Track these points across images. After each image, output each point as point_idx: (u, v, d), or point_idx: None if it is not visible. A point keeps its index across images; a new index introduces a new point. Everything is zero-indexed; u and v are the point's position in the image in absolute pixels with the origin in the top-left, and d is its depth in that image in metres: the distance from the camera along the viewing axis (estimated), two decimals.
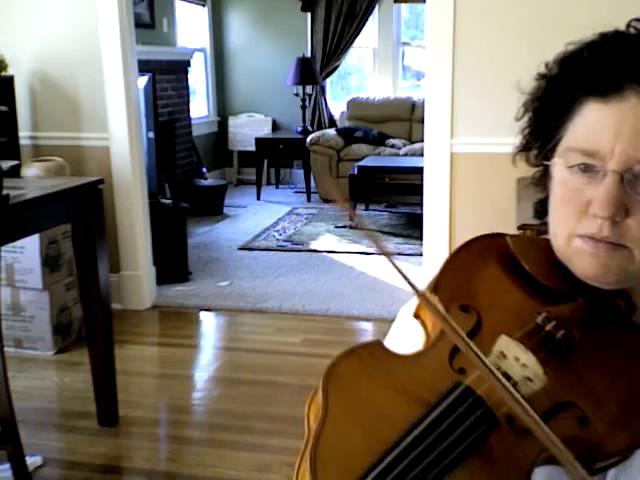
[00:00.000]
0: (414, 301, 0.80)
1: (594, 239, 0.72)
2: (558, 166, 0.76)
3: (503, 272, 0.78)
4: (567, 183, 0.75)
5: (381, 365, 0.68)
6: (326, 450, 0.61)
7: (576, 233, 0.74)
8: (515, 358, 0.66)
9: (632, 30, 0.75)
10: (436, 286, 0.76)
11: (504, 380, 0.63)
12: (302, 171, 7.01)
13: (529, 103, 0.82)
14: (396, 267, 0.68)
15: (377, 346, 0.70)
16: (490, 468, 0.62)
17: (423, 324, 0.76)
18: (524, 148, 0.84)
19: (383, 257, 0.71)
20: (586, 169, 0.73)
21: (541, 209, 0.83)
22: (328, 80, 7.58)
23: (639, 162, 0.70)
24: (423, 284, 0.80)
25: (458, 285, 0.76)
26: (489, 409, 0.63)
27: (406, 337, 0.78)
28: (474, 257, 0.80)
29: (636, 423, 0.67)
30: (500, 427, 0.63)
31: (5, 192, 2.09)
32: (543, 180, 0.82)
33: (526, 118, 0.83)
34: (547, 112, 0.79)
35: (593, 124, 0.73)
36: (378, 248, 0.75)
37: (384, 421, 0.64)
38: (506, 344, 0.67)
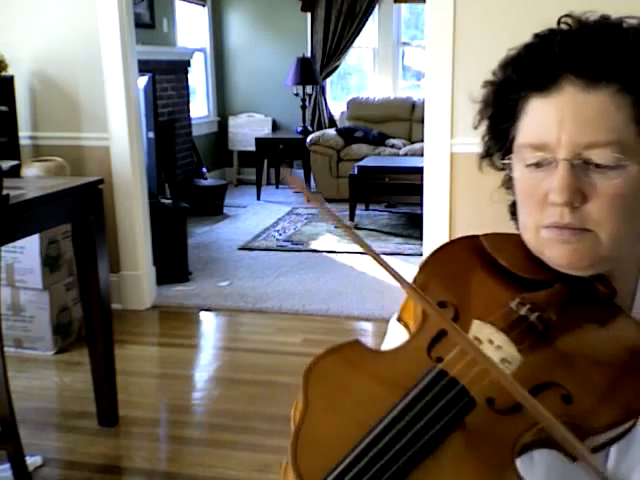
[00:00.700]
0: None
1: (558, 227, 0.75)
2: (516, 164, 0.80)
3: (479, 268, 0.80)
4: (525, 179, 0.78)
5: (360, 359, 0.70)
6: (306, 437, 0.63)
7: (541, 224, 0.76)
8: (489, 340, 0.68)
9: (563, 26, 0.80)
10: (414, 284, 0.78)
11: (485, 353, 0.64)
12: (302, 171, 7.01)
13: (482, 110, 0.86)
14: (370, 251, 0.69)
15: (355, 343, 0.72)
16: (471, 447, 0.63)
17: (406, 326, 0.78)
18: (487, 154, 0.87)
19: (352, 240, 0.72)
20: (540, 164, 0.76)
21: (514, 210, 0.85)
22: (328, 80, 7.59)
23: (586, 147, 0.73)
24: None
25: (435, 283, 0.79)
26: (463, 388, 0.65)
27: (393, 343, 0.79)
28: (451, 257, 0.83)
29: (622, 397, 0.68)
30: (477, 407, 0.64)
31: (5, 192, 2.09)
32: (510, 182, 0.84)
33: (484, 125, 0.86)
34: (499, 115, 0.83)
35: (538, 118, 0.77)
36: (348, 232, 0.75)
37: (363, 408, 0.65)
38: (479, 328, 0.69)
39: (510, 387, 0.61)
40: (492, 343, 0.67)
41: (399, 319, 0.80)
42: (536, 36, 0.81)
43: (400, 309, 0.80)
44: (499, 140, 0.84)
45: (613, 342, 0.73)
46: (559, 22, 0.81)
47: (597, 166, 0.73)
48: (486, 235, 0.85)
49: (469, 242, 0.84)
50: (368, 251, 0.68)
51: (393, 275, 0.67)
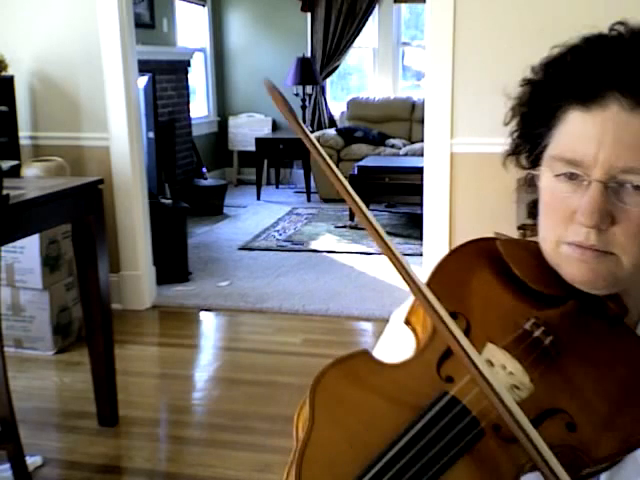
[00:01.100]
0: (406, 305, 0.80)
1: (581, 247, 0.73)
2: (544, 174, 0.77)
3: (493, 277, 0.78)
4: (553, 191, 0.75)
5: (368, 374, 0.68)
6: (312, 459, 0.61)
7: (564, 240, 0.74)
8: (502, 366, 0.67)
9: (614, 33, 0.75)
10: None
11: (491, 379, 0.63)
12: (302, 171, 7.01)
13: (516, 108, 0.82)
14: (389, 249, 0.67)
15: (364, 356, 0.70)
16: (475, 474, 0.62)
17: (414, 330, 0.76)
18: (514, 152, 0.84)
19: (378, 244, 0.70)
20: (571, 177, 0.73)
21: (534, 210, 0.83)
22: (328, 80, 7.58)
23: (622, 171, 0.70)
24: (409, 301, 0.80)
25: (447, 291, 0.75)
26: (474, 419, 0.64)
27: (397, 344, 0.78)
28: (464, 263, 0.80)
29: (625, 427, 0.67)
30: (485, 436, 0.64)
31: (5, 192, 2.09)
32: (534, 182, 0.82)
33: (514, 122, 0.83)
34: (533, 118, 0.79)
35: (576, 133, 0.73)
36: (375, 239, 0.72)
37: (371, 430, 0.64)
38: (493, 352, 0.68)
39: (510, 423, 0.61)
40: (505, 369, 0.66)
41: (407, 322, 0.77)
42: (585, 41, 0.76)
43: (408, 311, 0.77)
44: (529, 142, 0.81)
45: (620, 367, 0.72)
46: (611, 29, 0.75)
47: (637, 188, 0.70)
48: (502, 240, 0.82)
49: (485, 246, 0.81)
50: (400, 269, 0.67)
51: (403, 274, 0.66)
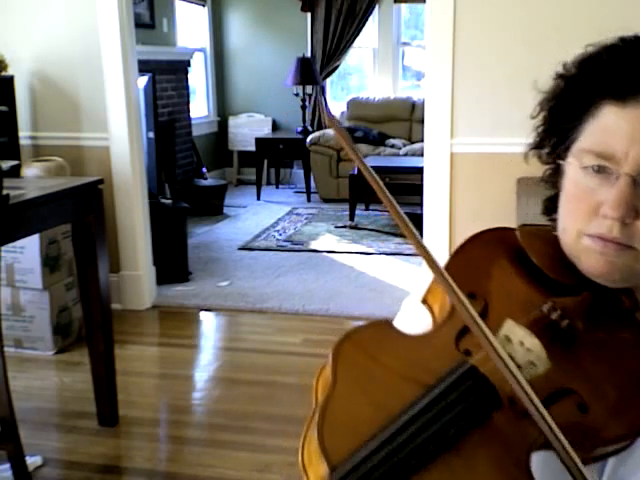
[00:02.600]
0: (416, 294, 0.81)
1: (603, 239, 0.73)
2: (571, 166, 0.78)
3: (511, 264, 0.79)
4: (580, 183, 0.76)
5: (389, 342, 0.70)
6: (333, 416, 0.63)
7: (585, 232, 0.75)
8: (520, 342, 0.68)
9: None
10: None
11: (507, 359, 0.64)
12: (302, 171, 7.02)
13: (545, 102, 0.83)
14: (405, 224, 0.69)
15: (386, 324, 0.72)
16: (490, 446, 0.63)
17: (430, 309, 0.78)
18: (537, 146, 0.85)
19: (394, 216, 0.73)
20: (600, 170, 0.74)
21: (550, 205, 0.84)
22: (328, 80, 7.59)
23: None
24: (424, 283, 0.81)
25: (466, 273, 0.77)
26: (493, 387, 0.65)
27: (413, 323, 0.78)
28: (483, 248, 0.82)
29: (633, 412, 0.68)
30: (503, 407, 0.65)
31: (5, 192, 2.09)
32: (554, 178, 0.83)
33: (541, 116, 0.84)
34: (563, 112, 0.80)
35: (609, 127, 0.74)
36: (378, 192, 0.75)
37: (390, 394, 0.65)
38: (511, 328, 0.69)
39: (521, 395, 0.62)
40: (522, 345, 0.67)
41: (424, 301, 0.79)
42: (621, 40, 0.77)
43: (426, 291, 0.79)
44: (555, 135, 0.82)
45: (630, 357, 0.73)
46: None
47: None
48: (522, 229, 0.83)
49: (503, 234, 0.83)
50: (418, 244, 0.68)
51: (423, 253, 0.67)
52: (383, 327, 0.72)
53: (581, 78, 0.79)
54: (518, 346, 0.68)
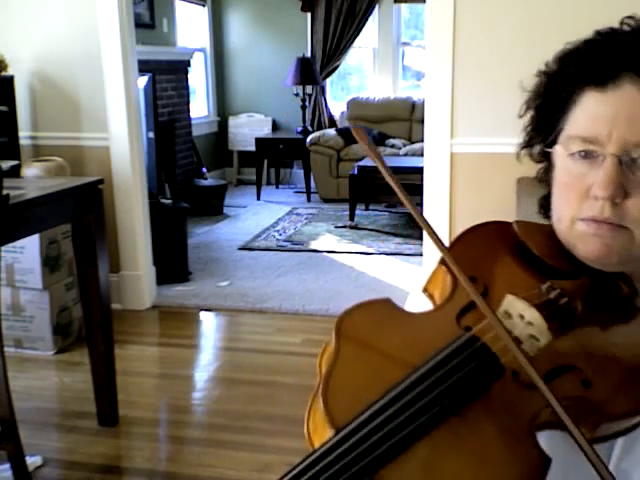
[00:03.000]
0: (415, 296, 0.83)
1: (596, 221, 0.75)
2: (560, 154, 0.80)
3: (510, 252, 0.81)
4: (569, 170, 0.79)
5: (391, 317, 0.72)
6: (337, 383, 0.64)
7: (579, 217, 0.77)
8: (520, 316, 0.69)
9: (625, 27, 0.79)
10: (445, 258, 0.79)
11: (506, 329, 0.66)
12: (302, 171, 7.02)
13: (531, 100, 0.86)
14: (409, 203, 0.75)
15: (387, 302, 0.74)
16: (493, 414, 0.64)
17: (431, 297, 0.80)
18: (527, 144, 0.88)
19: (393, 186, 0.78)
20: (586, 155, 0.77)
21: (545, 204, 0.86)
22: (328, 80, 7.58)
23: (636, 146, 0.73)
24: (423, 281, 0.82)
25: (466, 259, 0.79)
26: (494, 355, 0.66)
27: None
28: (482, 238, 0.84)
29: (636, 392, 0.69)
30: (504, 377, 0.66)
31: (5, 192, 2.09)
32: (547, 175, 0.85)
33: (528, 115, 0.86)
34: (548, 106, 0.83)
35: (592, 112, 0.77)
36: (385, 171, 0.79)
37: (392, 364, 0.67)
38: (511, 302, 0.70)
39: (525, 366, 0.63)
40: (522, 319, 0.68)
41: (424, 290, 0.81)
42: (598, 33, 0.80)
43: (426, 281, 0.81)
44: (543, 131, 0.84)
45: (632, 340, 0.74)
46: (622, 23, 0.80)
47: None
48: (518, 222, 0.85)
49: (501, 226, 0.85)
50: (421, 221, 0.74)
51: (431, 234, 0.70)
52: (385, 303, 0.74)
53: (562, 71, 0.81)
54: (518, 319, 0.68)
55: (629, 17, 0.79)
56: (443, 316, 0.72)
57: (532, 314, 0.68)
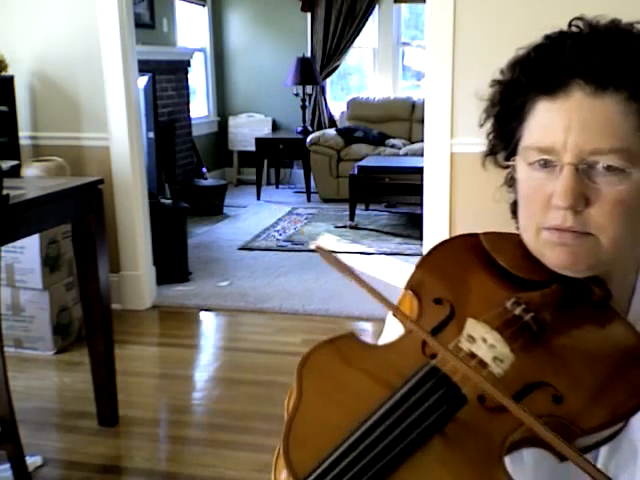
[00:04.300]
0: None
1: (560, 230, 0.75)
2: (520, 165, 0.80)
3: (477, 266, 0.81)
4: (529, 180, 0.78)
5: (354, 352, 0.71)
6: (299, 428, 0.64)
7: (543, 226, 0.77)
8: (482, 339, 0.68)
9: (574, 29, 0.78)
10: (411, 282, 0.80)
11: (468, 360, 0.66)
12: (302, 171, 7.02)
13: (489, 109, 0.86)
14: (357, 278, 0.72)
15: (351, 336, 0.73)
16: (460, 443, 0.64)
17: (402, 321, 0.79)
18: (491, 152, 0.88)
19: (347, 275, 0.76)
20: (545, 164, 0.76)
21: (515, 209, 0.86)
22: (328, 80, 7.58)
23: (591, 153, 0.73)
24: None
25: (433, 280, 0.80)
26: (454, 385, 0.65)
27: (389, 337, 0.80)
28: (449, 254, 0.84)
29: (612, 399, 0.68)
30: (470, 404, 0.65)
31: (5, 192, 2.09)
32: (513, 181, 0.85)
33: (489, 123, 0.86)
34: (505, 115, 0.83)
35: (545, 122, 0.77)
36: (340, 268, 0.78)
37: (355, 402, 0.66)
38: (473, 326, 0.69)
39: (492, 392, 0.62)
40: (485, 342, 0.68)
41: (394, 314, 0.80)
42: (546, 38, 0.80)
43: (397, 303, 0.80)
44: (504, 139, 0.84)
45: (606, 344, 0.74)
46: (570, 25, 0.79)
47: (607, 169, 0.73)
48: (485, 234, 0.85)
49: (468, 240, 0.85)
50: (368, 290, 0.71)
51: (373, 294, 0.69)
52: (348, 339, 0.72)
53: (514, 80, 0.81)
54: (482, 343, 0.68)
55: (578, 18, 0.79)
56: (408, 346, 0.71)
57: (493, 337, 0.67)
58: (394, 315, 0.73)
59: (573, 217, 0.74)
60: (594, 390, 0.68)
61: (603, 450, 0.72)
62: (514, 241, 0.83)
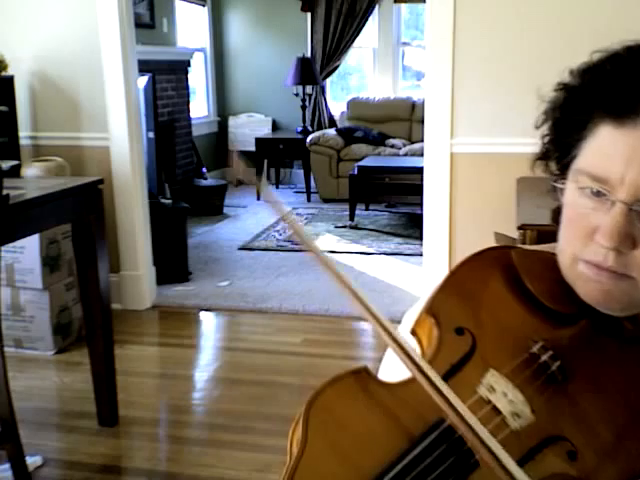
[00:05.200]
0: (418, 306, 0.79)
1: (598, 267, 0.70)
2: (569, 185, 0.75)
3: (505, 290, 0.75)
4: (576, 204, 0.73)
5: (366, 394, 0.67)
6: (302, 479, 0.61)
7: (581, 257, 0.72)
8: (503, 393, 0.66)
9: None
10: (432, 306, 0.74)
11: (477, 428, 0.62)
12: (302, 171, 7.01)
13: (549, 112, 0.79)
14: (361, 301, 0.67)
15: (362, 374, 0.68)
16: None
17: (419, 342, 0.75)
18: (543, 157, 0.81)
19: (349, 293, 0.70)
20: (597, 193, 0.71)
21: (557, 217, 0.80)
22: (328, 80, 7.58)
23: None
24: (424, 290, 0.78)
25: (456, 305, 0.74)
26: (468, 450, 0.63)
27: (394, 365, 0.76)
28: (476, 273, 0.77)
29: (628, 456, 0.66)
30: (480, 468, 0.62)
31: (5, 192, 2.08)
32: (558, 190, 0.79)
33: (546, 126, 0.80)
34: (565, 125, 0.76)
35: (605, 149, 0.70)
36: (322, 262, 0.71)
37: (364, 453, 0.63)
38: (494, 379, 0.67)
39: (493, 465, 0.60)
40: (506, 396, 0.65)
41: (413, 332, 0.76)
42: (627, 49, 0.72)
43: (415, 321, 0.75)
44: (560, 149, 0.78)
45: (632, 389, 0.69)
46: None
47: None
48: (518, 250, 0.79)
49: (498, 256, 0.78)
50: (373, 317, 0.67)
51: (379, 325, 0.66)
52: (359, 378, 0.68)
53: (582, 90, 0.74)
54: (502, 396, 0.65)
55: None
56: (423, 390, 0.65)
57: (515, 396, 0.65)
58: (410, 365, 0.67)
59: (615, 257, 0.69)
60: (611, 446, 0.65)
61: None
62: (548, 262, 0.77)
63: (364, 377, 0.68)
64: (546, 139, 0.80)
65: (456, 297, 0.75)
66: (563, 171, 0.77)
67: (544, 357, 0.68)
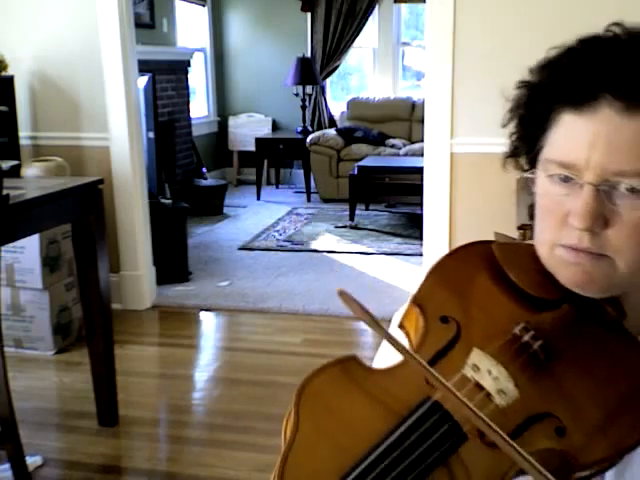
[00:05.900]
0: (405, 306, 0.80)
1: (575, 249, 0.72)
2: (539, 176, 0.77)
3: (488, 280, 0.78)
4: (548, 194, 0.75)
5: (354, 380, 0.69)
6: (295, 464, 0.62)
7: (558, 243, 0.74)
8: (488, 371, 0.67)
9: (610, 34, 0.75)
10: (418, 296, 0.77)
11: (465, 400, 0.63)
12: (302, 171, 7.02)
13: (514, 110, 0.82)
14: (356, 304, 0.67)
15: (352, 361, 0.70)
16: (463, 477, 0.63)
17: (407, 335, 0.77)
18: (512, 154, 0.84)
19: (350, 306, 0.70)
20: (565, 179, 0.73)
21: (532, 212, 0.83)
22: (328, 80, 7.58)
23: (614, 173, 0.70)
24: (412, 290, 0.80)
25: (440, 294, 0.77)
26: (456, 423, 0.64)
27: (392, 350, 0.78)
28: (460, 265, 0.81)
29: (617, 432, 0.67)
30: (469, 440, 0.64)
31: (5, 192, 2.09)
32: (533, 183, 0.82)
33: (513, 125, 0.83)
34: (530, 120, 0.79)
35: (568, 136, 0.73)
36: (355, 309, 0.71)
37: (354, 436, 0.65)
38: (478, 357, 0.68)
39: (486, 430, 0.61)
40: (490, 373, 0.67)
41: (401, 326, 0.78)
42: (580, 42, 0.75)
43: (402, 316, 0.78)
44: (528, 143, 0.81)
45: (615, 370, 0.71)
46: (606, 30, 0.75)
47: (630, 191, 0.70)
48: (499, 243, 0.82)
49: (480, 249, 0.82)
50: (366, 317, 0.67)
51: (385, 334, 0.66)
52: (348, 365, 0.70)
53: (542, 85, 0.77)
54: (486, 374, 0.67)
55: (615, 24, 0.75)
56: (410, 372, 0.68)
57: (499, 372, 0.66)
58: (400, 351, 0.69)
59: (590, 238, 0.71)
60: (599, 422, 0.67)
61: (608, 477, 0.71)
62: (528, 253, 0.79)
63: (353, 364, 0.70)
64: (514, 137, 0.83)
65: (440, 287, 0.78)
66: (533, 164, 0.80)
67: (526, 337, 0.70)
